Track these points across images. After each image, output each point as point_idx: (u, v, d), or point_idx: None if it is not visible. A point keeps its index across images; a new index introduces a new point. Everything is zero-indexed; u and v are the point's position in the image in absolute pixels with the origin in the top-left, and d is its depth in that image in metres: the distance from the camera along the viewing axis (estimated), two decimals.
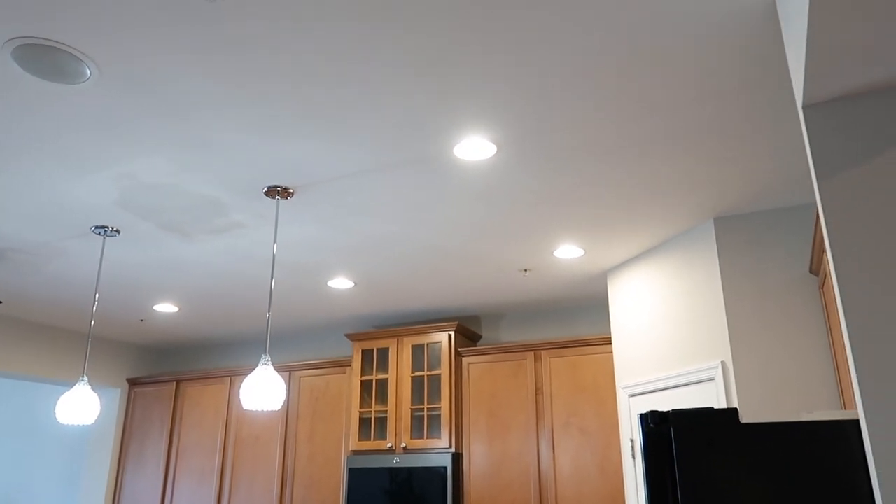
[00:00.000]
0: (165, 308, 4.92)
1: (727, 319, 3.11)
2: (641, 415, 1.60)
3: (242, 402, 2.64)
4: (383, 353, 4.96)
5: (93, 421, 3.12)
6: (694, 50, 2.05)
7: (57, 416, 2.96)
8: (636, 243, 3.66)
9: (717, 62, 2.11)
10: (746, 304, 3.11)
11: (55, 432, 6.62)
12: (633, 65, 2.12)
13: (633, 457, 3.60)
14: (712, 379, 3.13)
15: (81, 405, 3.07)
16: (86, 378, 3.17)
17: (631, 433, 3.65)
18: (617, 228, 3.46)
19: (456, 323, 4.72)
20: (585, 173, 2.85)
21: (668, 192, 3.05)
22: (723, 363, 3.08)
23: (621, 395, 3.79)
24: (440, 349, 4.75)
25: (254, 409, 2.66)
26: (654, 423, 1.59)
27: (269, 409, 2.66)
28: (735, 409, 1.53)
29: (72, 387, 5.88)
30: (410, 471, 4.49)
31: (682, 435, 1.54)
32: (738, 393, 2.96)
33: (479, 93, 2.26)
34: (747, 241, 3.21)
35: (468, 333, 4.95)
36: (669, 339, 3.47)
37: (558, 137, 2.56)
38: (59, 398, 6.71)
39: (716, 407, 3.02)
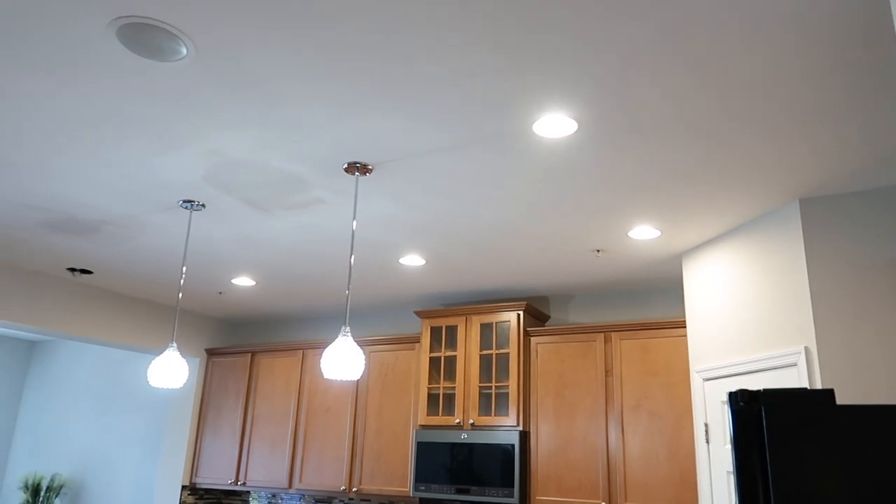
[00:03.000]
0: (243, 282, 5.10)
1: (812, 303, 3.01)
2: (730, 393, 1.58)
3: (323, 370, 2.73)
4: (452, 330, 5.02)
5: (181, 385, 3.29)
6: (789, 26, 1.98)
7: (149, 379, 3.13)
8: (716, 225, 3.58)
9: (813, 39, 2.03)
10: (833, 288, 3.00)
11: (138, 399, 6.98)
12: (725, 41, 2.06)
13: (707, 441, 3.55)
14: (794, 364, 3.04)
15: (171, 369, 3.24)
16: (175, 344, 3.34)
17: (705, 417, 3.59)
18: (696, 209, 3.39)
19: (525, 303, 4.73)
20: (667, 152, 2.80)
21: (753, 172, 2.96)
22: (806, 348, 2.98)
23: (695, 379, 3.73)
24: (508, 328, 4.76)
25: (334, 378, 2.75)
26: (743, 402, 1.57)
27: (349, 378, 2.74)
28: (831, 391, 1.49)
29: (156, 354, 6.19)
30: (478, 446, 4.54)
31: (775, 414, 1.51)
32: (822, 379, 2.87)
33: (562, 68, 2.25)
34: (835, 223, 3.08)
35: (536, 314, 4.95)
36: (748, 323, 3.39)
37: (642, 115, 2.51)
38: (141, 366, 7.07)
39: None
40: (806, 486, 1.49)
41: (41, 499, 6.91)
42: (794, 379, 3.00)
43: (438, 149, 2.87)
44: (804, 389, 1.51)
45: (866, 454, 1.45)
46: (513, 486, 4.34)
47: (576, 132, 2.67)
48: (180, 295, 4.11)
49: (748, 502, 1.57)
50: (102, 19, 2.10)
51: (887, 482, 1.45)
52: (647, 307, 4.83)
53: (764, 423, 1.52)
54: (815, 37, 2.04)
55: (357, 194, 3.31)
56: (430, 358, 4.99)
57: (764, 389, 1.54)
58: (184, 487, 5.91)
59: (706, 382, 3.64)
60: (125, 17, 2.08)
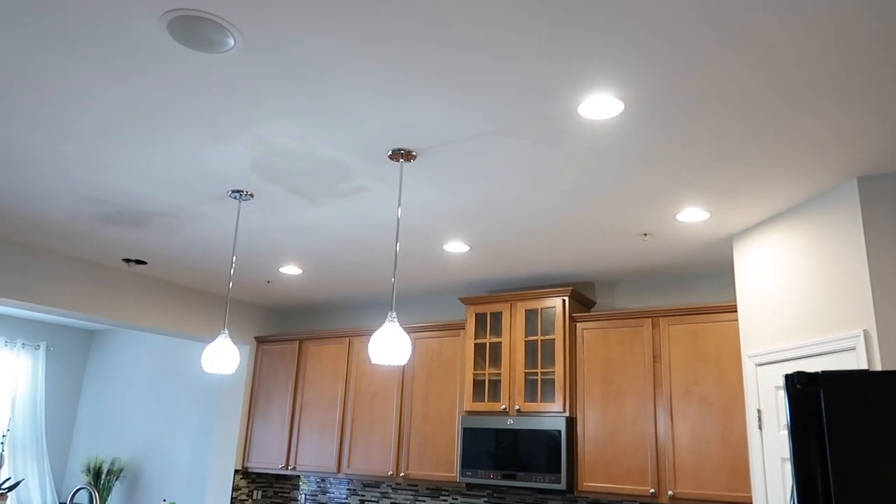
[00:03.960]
0: (290, 270, 5.19)
1: (872, 285, 2.91)
2: (787, 375, 1.54)
3: (371, 356, 2.76)
4: (496, 317, 5.02)
5: (233, 370, 3.37)
6: None
7: (202, 365, 3.22)
8: (768, 206, 3.48)
9: (861, 6, 1.95)
10: (894, 269, 2.89)
11: (191, 386, 7.18)
12: (769, 16, 2.00)
13: (760, 428, 3.47)
14: (852, 349, 2.94)
15: (223, 355, 3.32)
16: (226, 331, 3.42)
17: (758, 403, 3.51)
18: (747, 190, 3.30)
19: (570, 288, 4.69)
20: (717, 130, 2.73)
21: (807, 150, 2.86)
22: (865, 332, 2.89)
23: (747, 364, 3.65)
24: (554, 314, 4.74)
25: (381, 363, 2.78)
26: (800, 385, 1.53)
27: (396, 363, 2.77)
28: (893, 372, 1.44)
29: (208, 342, 6.35)
30: (524, 433, 4.54)
31: (834, 398, 1.47)
32: (883, 364, 2.77)
33: (607, 49, 2.21)
34: None
35: (582, 299, 4.91)
36: (802, 306, 3.29)
37: (688, 94, 2.46)
38: (193, 353, 7.27)
39: None
40: (868, 472, 1.44)
41: (102, 481, 7.18)
42: (853, 363, 2.90)
43: (482, 134, 2.86)
44: (865, 371, 1.46)
45: None
46: (560, 472, 4.33)
47: (621, 113, 2.62)
48: (230, 284, 4.20)
49: (806, 489, 1.53)
50: (154, 13, 2.15)
51: None
52: (695, 292, 4.74)
53: (823, 407, 1.48)
54: (861, 7, 1.96)
55: (402, 181, 3.33)
56: (476, 344, 5.00)
57: (822, 371, 1.50)
58: (236, 471, 6.07)
59: (759, 368, 3.55)
60: (175, 9, 2.12)
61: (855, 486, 1.46)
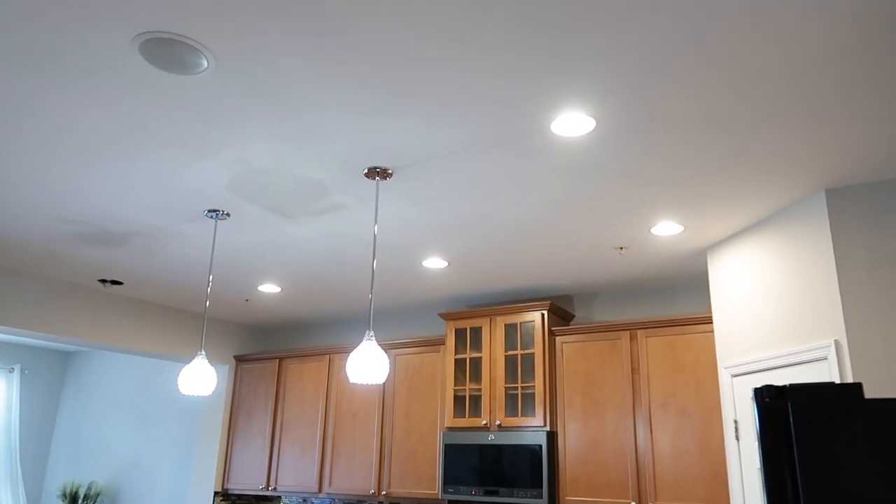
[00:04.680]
0: (269, 288, 5.16)
1: (841, 295, 2.96)
2: (756, 389, 1.56)
3: (349, 375, 2.75)
4: (476, 332, 5.03)
5: (211, 392, 3.34)
6: (806, 13, 1.96)
7: (179, 387, 3.19)
8: (739, 218, 3.54)
9: (831, 24, 2.01)
10: (862, 279, 2.95)
11: (170, 407, 7.10)
12: (740, 31, 2.05)
13: (737, 438, 3.51)
14: (824, 358, 2.99)
15: (200, 377, 3.29)
16: (203, 352, 3.39)
17: (734, 414, 3.55)
18: (719, 203, 3.35)
19: (549, 302, 4.72)
20: (687, 145, 2.78)
21: (776, 163, 2.92)
22: (836, 342, 2.94)
23: (723, 376, 3.69)
24: (533, 328, 4.76)
25: (359, 382, 2.77)
26: (769, 398, 1.55)
27: (374, 382, 2.76)
28: (859, 384, 1.47)
29: (186, 362, 6.28)
30: (505, 448, 4.54)
31: (802, 410, 1.50)
32: (853, 373, 2.82)
33: (578, 66, 2.25)
34: (863, 212, 3.03)
35: (561, 313, 4.94)
36: (775, 317, 3.35)
37: (659, 109, 2.50)
38: (171, 374, 7.19)
39: None
40: (836, 484, 1.47)
41: None
42: (825, 373, 2.95)
43: (457, 151, 2.89)
44: (831, 384, 1.49)
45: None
46: (541, 487, 4.34)
47: (594, 130, 2.66)
48: (207, 303, 4.17)
49: (776, 496, 1.55)
50: (125, 36, 2.15)
51: None
52: (672, 304, 4.79)
53: (791, 419, 1.51)
54: (834, 22, 2.02)
55: (378, 199, 3.34)
56: (456, 360, 5.00)
57: (790, 384, 1.53)
58: (216, 493, 5.99)
59: (735, 378, 3.60)
60: (147, 32, 2.13)
61: (824, 497, 1.48)
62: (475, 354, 4.94)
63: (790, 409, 1.51)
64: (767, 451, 1.58)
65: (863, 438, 1.45)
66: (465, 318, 5.04)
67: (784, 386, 1.53)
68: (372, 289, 3.04)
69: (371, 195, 3.39)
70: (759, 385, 3.30)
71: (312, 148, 2.89)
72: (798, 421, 1.50)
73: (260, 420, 5.99)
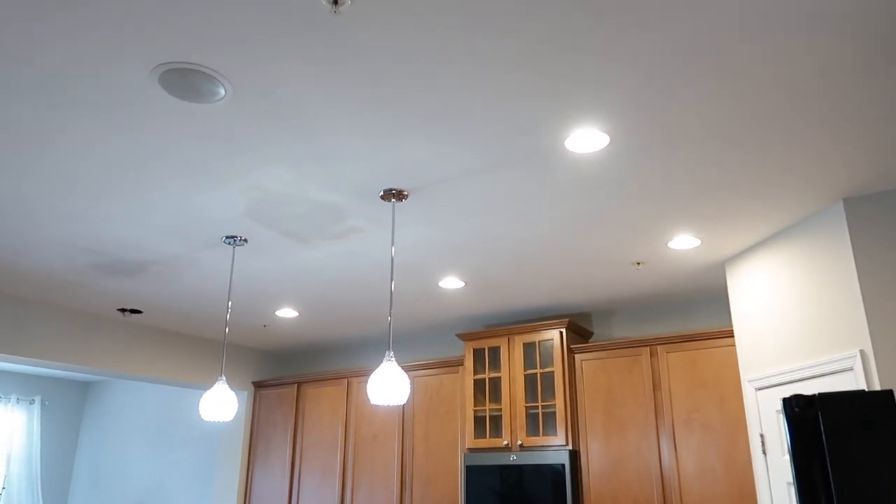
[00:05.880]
0: (286, 313, 5.18)
1: (864, 304, 2.93)
2: (785, 399, 1.55)
3: (370, 396, 2.75)
4: (495, 351, 5.00)
5: (232, 417, 3.34)
6: (812, 26, 1.96)
7: (200, 413, 3.19)
8: (757, 231, 3.52)
9: (837, 35, 2.01)
10: (886, 287, 2.91)
11: (190, 434, 7.10)
12: (748, 47, 2.05)
13: (764, 452, 3.45)
14: (850, 369, 2.95)
15: (221, 402, 3.29)
16: (224, 378, 3.40)
17: (760, 428, 3.50)
18: (736, 216, 3.34)
19: (567, 320, 4.70)
20: (703, 159, 2.78)
21: (792, 174, 2.91)
22: (861, 352, 2.90)
23: (747, 389, 3.64)
24: (552, 347, 4.73)
25: (381, 404, 2.76)
26: (798, 408, 1.53)
27: (395, 403, 2.75)
28: (891, 391, 1.45)
29: (206, 389, 6.29)
30: (528, 468, 4.50)
31: (832, 419, 1.48)
32: (881, 383, 2.78)
33: (591, 84, 2.26)
34: (883, 220, 3.01)
35: (579, 330, 4.91)
36: (798, 328, 3.31)
37: (674, 123, 2.51)
38: (190, 401, 7.20)
39: None
40: (870, 491, 1.44)
41: None
42: (852, 383, 2.91)
43: (472, 171, 2.90)
44: (861, 392, 1.47)
45: None
46: None
47: (608, 146, 2.67)
48: (227, 330, 4.19)
49: None
50: (145, 67, 2.19)
51: None
52: (691, 318, 4.75)
53: (822, 429, 1.49)
54: (840, 33, 2.02)
55: (394, 221, 3.35)
56: (475, 380, 4.98)
57: (819, 393, 1.51)
58: None
59: (759, 392, 3.55)
60: (166, 63, 2.17)
61: None
62: (494, 374, 4.91)
63: (820, 418, 1.49)
64: (799, 462, 1.56)
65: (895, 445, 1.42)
66: (483, 337, 5.02)
67: (813, 395, 1.51)
68: (391, 311, 3.05)
69: (387, 217, 3.41)
70: (785, 397, 3.26)
71: (328, 171, 2.92)
72: (829, 430, 1.48)
73: (279, 446, 5.97)
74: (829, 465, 1.49)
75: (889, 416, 1.44)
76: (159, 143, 2.69)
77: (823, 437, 1.49)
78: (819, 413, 1.49)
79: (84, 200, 3.23)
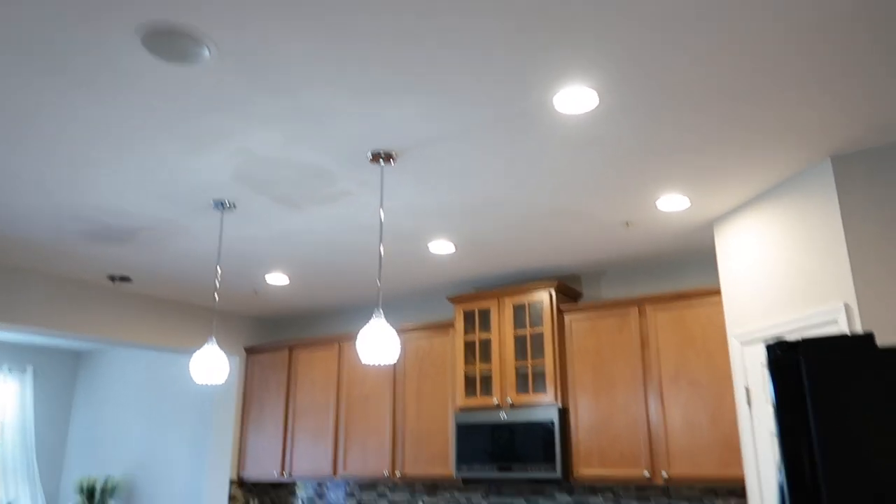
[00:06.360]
0: (277, 279, 5.19)
1: (850, 258, 2.98)
2: (768, 345, 1.59)
3: (360, 355, 2.78)
4: (485, 313, 5.05)
5: (224, 380, 3.37)
6: None
7: (192, 375, 3.22)
8: (746, 189, 3.55)
9: None
10: (871, 241, 2.96)
11: (183, 401, 7.16)
12: None
13: (749, 404, 3.54)
14: (834, 322, 3.01)
15: (213, 365, 3.32)
16: (214, 339, 3.42)
17: (745, 381, 3.58)
18: (725, 174, 3.36)
19: (556, 281, 4.74)
20: (691, 115, 2.79)
21: (781, 131, 2.93)
22: (846, 305, 2.96)
23: (733, 344, 3.72)
24: (541, 308, 4.78)
25: (371, 363, 2.80)
26: (781, 352, 1.58)
27: (385, 362, 2.79)
28: (871, 334, 1.49)
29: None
30: (518, 425, 4.58)
31: (814, 363, 1.52)
32: None
33: (580, 38, 2.25)
34: (870, 176, 3.04)
35: (569, 292, 4.96)
36: (784, 283, 3.36)
37: (663, 79, 2.51)
38: (183, 368, 7.24)
39: None
40: (851, 435, 1.49)
41: (96, 501, 7.12)
42: None
43: (460, 131, 2.90)
44: (843, 335, 1.51)
45: None
46: (554, 461, 4.38)
47: (597, 103, 2.67)
48: (216, 296, 4.20)
49: (791, 456, 1.58)
50: (128, 28, 2.16)
51: None
52: (680, 278, 4.81)
53: (804, 373, 1.53)
54: None
55: (383, 183, 3.35)
56: (465, 342, 5.03)
57: (802, 338, 1.55)
58: (232, 482, 6.05)
59: (744, 346, 3.62)
60: (149, 24, 2.14)
61: (839, 449, 1.50)
62: (484, 336, 4.97)
63: (803, 362, 1.53)
64: (781, 407, 1.60)
65: (877, 388, 1.47)
66: (474, 300, 5.07)
67: (796, 340, 1.55)
68: (380, 272, 3.06)
69: (376, 181, 3.41)
70: (768, 343, 3.33)
71: (315, 132, 2.91)
72: (811, 374, 1.52)
73: (273, 409, 6.04)
74: (809, 407, 1.54)
75: (870, 358, 1.48)
76: (144, 107, 2.66)
77: (805, 382, 1.53)
78: (801, 357, 1.53)
79: (69, 167, 3.20)
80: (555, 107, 2.69)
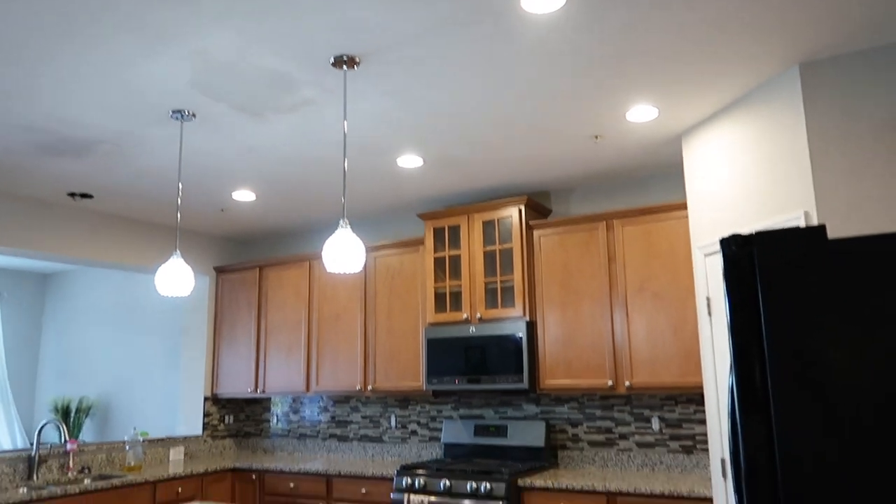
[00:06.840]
0: (244, 196, 5.10)
1: (812, 167, 2.99)
2: (723, 239, 1.59)
3: (325, 264, 2.76)
4: (455, 230, 5.05)
5: (189, 292, 3.34)
6: None
7: (157, 288, 3.19)
8: (714, 98, 3.51)
9: None
10: (833, 151, 2.97)
11: (154, 321, 7.15)
12: None
13: (709, 314, 3.62)
14: None
15: (178, 277, 3.29)
16: (178, 252, 3.38)
17: (707, 291, 3.65)
18: (694, 82, 3.31)
19: (526, 197, 4.72)
20: (662, 20, 2.71)
21: (749, 37, 2.87)
22: (806, 213, 2.99)
23: (697, 255, 3.76)
24: (511, 224, 4.78)
25: (337, 272, 2.78)
26: (735, 246, 1.58)
27: (351, 271, 2.78)
28: (823, 226, 1.49)
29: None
30: (487, 339, 4.66)
31: (767, 255, 1.53)
32: None
33: None
34: (836, 85, 3.02)
35: (538, 208, 4.95)
36: (749, 194, 3.38)
37: None
38: (152, 288, 7.20)
39: None
40: (802, 328, 1.51)
41: (71, 420, 7.20)
42: None
43: (424, 34, 2.79)
44: (796, 228, 1.52)
45: (863, 289, 1.47)
46: (522, 373, 4.48)
47: (564, 5, 2.58)
48: (178, 213, 4.12)
49: (741, 352, 1.60)
50: None
51: (889, 315, 1.46)
52: (648, 194, 4.82)
53: (756, 265, 1.54)
54: None
55: (346, 90, 3.25)
56: (435, 258, 5.04)
57: (757, 232, 1.55)
58: (206, 399, 6.12)
59: (707, 258, 3.67)
60: None
61: (790, 344, 1.53)
62: (454, 252, 4.98)
63: (755, 254, 1.54)
64: (733, 305, 1.62)
65: (829, 279, 1.48)
66: (443, 216, 5.05)
67: (750, 234, 1.56)
68: (345, 178, 3.01)
69: (340, 88, 3.30)
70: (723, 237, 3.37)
71: (275, 34, 2.78)
72: (763, 266, 1.53)
73: (244, 327, 6.06)
74: (761, 300, 1.56)
75: (821, 249, 1.49)
76: (96, 1, 2.51)
77: (757, 272, 1.54)
78: (754, 249, 1.54)
79: (17, 74, 3.04)
80: (522, 7, 2.59)
